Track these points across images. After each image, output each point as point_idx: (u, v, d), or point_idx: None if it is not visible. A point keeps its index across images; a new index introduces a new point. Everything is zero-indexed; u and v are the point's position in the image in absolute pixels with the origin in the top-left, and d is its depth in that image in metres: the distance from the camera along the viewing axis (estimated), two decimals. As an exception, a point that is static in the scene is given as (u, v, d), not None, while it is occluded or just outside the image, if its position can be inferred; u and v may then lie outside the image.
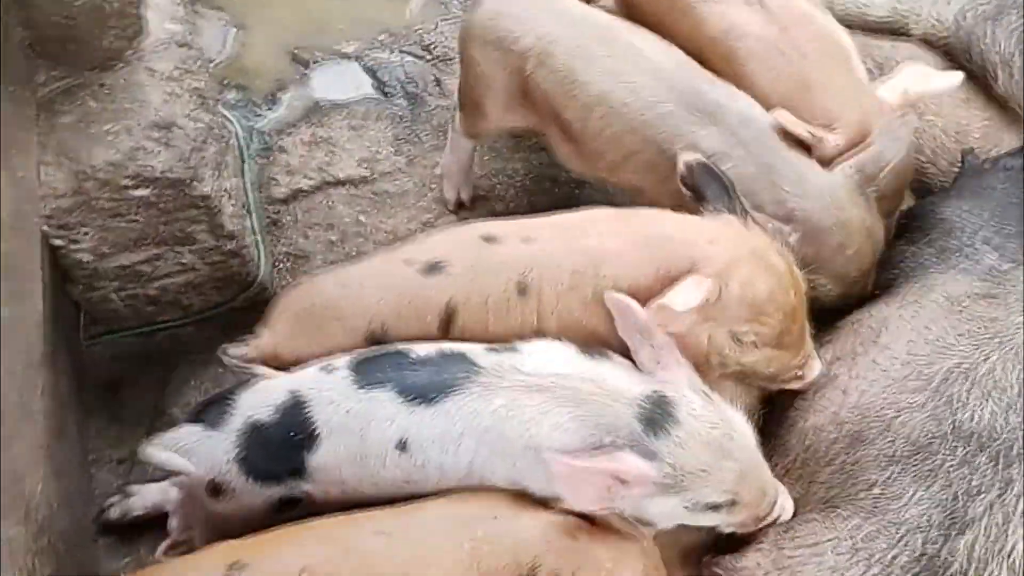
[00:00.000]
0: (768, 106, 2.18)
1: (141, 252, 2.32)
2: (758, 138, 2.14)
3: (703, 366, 1.86)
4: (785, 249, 1.95)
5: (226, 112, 2.86)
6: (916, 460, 1.77)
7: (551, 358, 1.79)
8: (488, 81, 2.41)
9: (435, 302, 1.91)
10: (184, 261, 2.38)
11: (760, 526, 1.81)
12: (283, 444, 1.78)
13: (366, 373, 1.80)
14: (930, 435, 1.78)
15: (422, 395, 1.75)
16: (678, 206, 2.00)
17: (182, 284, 2.43)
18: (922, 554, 1.67)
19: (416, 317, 1.92)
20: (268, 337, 1.98)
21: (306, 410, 1.78)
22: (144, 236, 2.29)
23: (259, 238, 2.66)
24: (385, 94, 3.08)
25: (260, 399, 1.81)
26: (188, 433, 1.82)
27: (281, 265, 2.71)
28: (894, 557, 1.69)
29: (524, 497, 1.73)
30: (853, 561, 1.71)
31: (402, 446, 1.75)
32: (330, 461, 1.78)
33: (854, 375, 1.96)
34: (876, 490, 1.77)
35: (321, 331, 1.96)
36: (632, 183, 2.29)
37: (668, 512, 1.74)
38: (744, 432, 1.77)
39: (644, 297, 1.82)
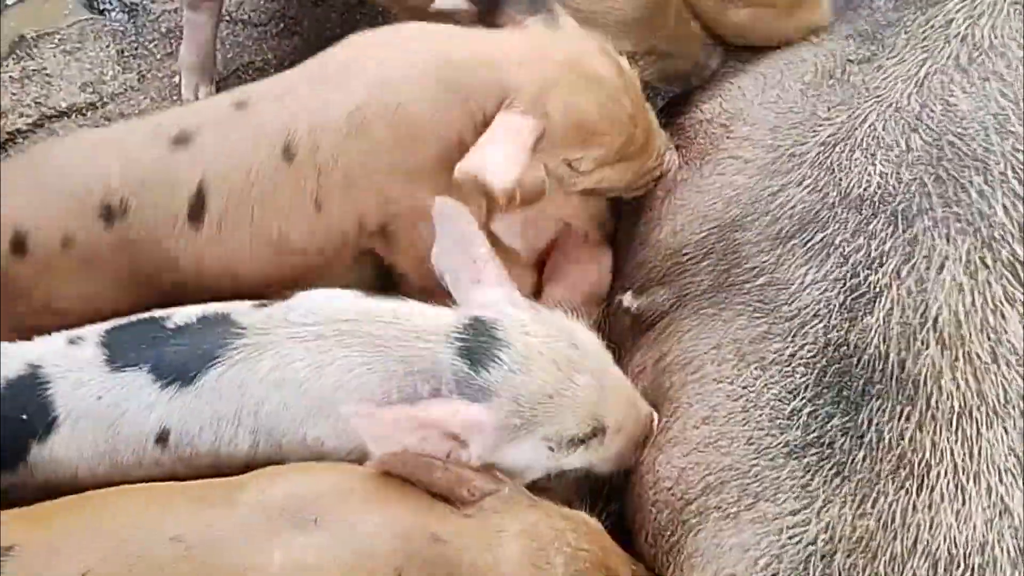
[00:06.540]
0: None
1: None
2: None
3: (545, 191, 1.61)
4: (610, 46, 1.64)
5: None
6: (803, 237, 1.51)
7: (328, 300, 1.48)
8: None
9: (184, 179, 1.61)
10: None
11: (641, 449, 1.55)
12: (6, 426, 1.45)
13: (118, 348, 1.46)
14: (815, 208, 1.53)
15: (180, 374, 1.42)
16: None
17: None
18: (826, 343, 1.43)
19: (162, 195, 1.62)
20: None
21: (47, 390, 1.44)
22: None
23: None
24: (100, 11, 2.63)
25: None
26: None
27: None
28: (792, 354, 1.44)
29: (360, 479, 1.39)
30: (741, 367, 1.46)
31: (162, 439, 1.43)
32: (64, 455, 1.46)
33: (707, 173, 1.68)
34: (762, 279, 1.51)
35: (46, 201, 1.65)
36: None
37: (529, 459, 1.45)
38: (590, 340, 1.49)
39: (457, 140, 1.56)
